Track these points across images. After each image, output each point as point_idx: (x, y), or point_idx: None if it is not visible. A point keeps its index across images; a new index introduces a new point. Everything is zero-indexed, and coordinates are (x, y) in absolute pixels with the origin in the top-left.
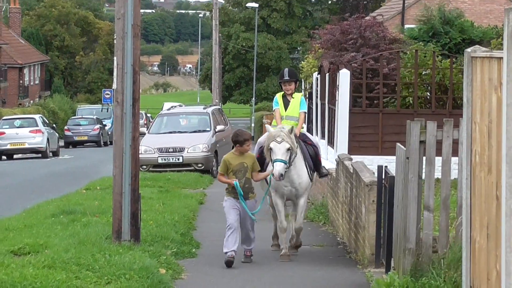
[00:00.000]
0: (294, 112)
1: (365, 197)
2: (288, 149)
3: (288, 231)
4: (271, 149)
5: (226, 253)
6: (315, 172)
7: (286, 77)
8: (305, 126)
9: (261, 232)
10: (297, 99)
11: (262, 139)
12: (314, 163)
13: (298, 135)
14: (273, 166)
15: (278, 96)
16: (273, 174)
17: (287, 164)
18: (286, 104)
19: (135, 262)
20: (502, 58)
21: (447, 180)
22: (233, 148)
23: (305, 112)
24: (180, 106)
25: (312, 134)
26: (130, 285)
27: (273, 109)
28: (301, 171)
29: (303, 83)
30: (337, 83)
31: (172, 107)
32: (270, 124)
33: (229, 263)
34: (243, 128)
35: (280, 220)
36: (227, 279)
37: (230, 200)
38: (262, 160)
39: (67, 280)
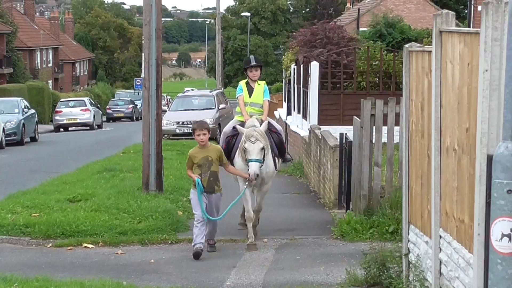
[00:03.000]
0: (258, 99)
1: (330, 156)
2: (262, 148)
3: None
4: (245, 149)
5: (194, 245)
6: (280, 159)
7: (253, 63)
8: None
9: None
10: (261, 86)
11: (227, 128)
12: (279, 150)
13: (267, 121)
14: (247, 165)
15: (242, 84)
16: (249, 174)
17: (262, 163)
18: (250, 91)
19: (160, 206)
20: (431, 51)
21: (391, 143)
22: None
23: (268, 101)
24: (192, 90)
25: (291, 111)
26: (156, 224)
27: (237, 95)
28: (268, 161)
29: (284, 73)
30: (309, 72)
31: (187, 90)
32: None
33: (197, 255)
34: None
35: (247, 209)
36: (228, 219)
37: (196, 193)
38: (229, 151)
39: (109, 220)
